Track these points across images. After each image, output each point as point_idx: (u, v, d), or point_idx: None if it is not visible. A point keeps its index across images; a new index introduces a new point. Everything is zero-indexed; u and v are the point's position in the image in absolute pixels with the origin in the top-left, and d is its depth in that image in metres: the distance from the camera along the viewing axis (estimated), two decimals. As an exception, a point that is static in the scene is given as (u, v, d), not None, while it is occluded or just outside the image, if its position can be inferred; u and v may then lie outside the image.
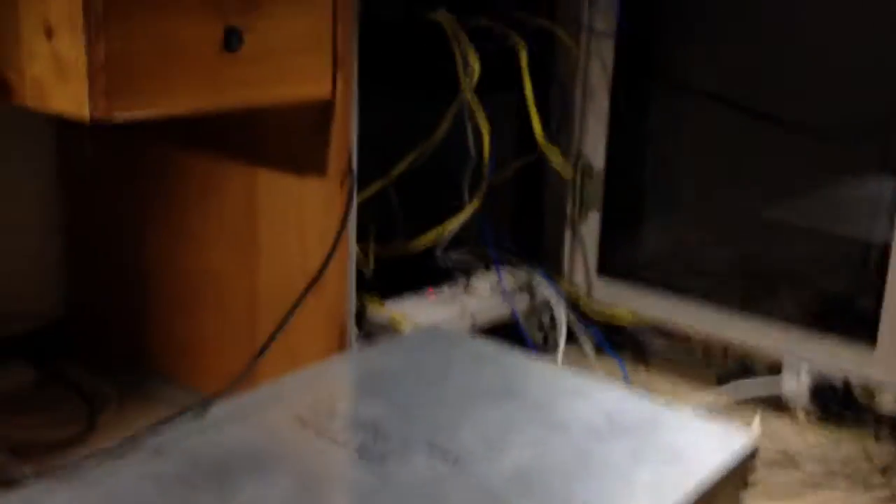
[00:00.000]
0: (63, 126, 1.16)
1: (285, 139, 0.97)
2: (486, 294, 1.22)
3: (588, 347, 1.25)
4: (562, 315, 1.23)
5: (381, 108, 1.20)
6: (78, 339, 1.19)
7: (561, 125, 1.30)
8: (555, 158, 1.23)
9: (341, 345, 0.99)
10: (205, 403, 0.78)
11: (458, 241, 1.31)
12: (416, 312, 1.14)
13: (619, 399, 0.86)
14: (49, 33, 0.71)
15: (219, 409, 0.79)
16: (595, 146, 1.29)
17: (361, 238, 1.20)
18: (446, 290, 1.23)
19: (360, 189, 1.12)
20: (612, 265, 1.31)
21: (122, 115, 0.73)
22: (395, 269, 1.23)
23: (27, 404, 1.03)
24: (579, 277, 1.32)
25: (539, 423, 0.80)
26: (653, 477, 0.72)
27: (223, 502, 0.65)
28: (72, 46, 0.70)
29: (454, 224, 1.19)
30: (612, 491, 0.71)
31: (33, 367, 1.09)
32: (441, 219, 1.22)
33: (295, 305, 0.88)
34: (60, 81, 0.72)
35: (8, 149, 1.12)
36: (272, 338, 0.86)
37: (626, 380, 1.21)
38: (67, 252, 1.20)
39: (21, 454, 0.92)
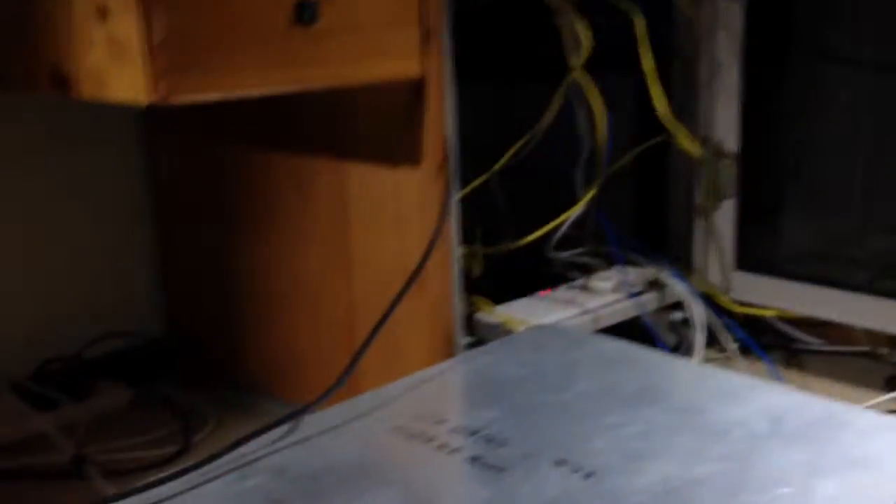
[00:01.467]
0: (152, 131, 1.11)
1: (375, 126, 0.88)
2: (608, 294, 1.10)
3: (731, 348, 1.11)
4: (699, 313, 1.09)
5: (482, 96, 1.10)
6: (174, 357, 1.13)
7: (685, 105, 1.16)
8: (683, 138, 1.10)
9: (448, 350, 0.89)
10: (296, 414, 0.69)
11: (572, 240, 1.19)
12: (530, 316, 1.03)
13: (784, 400, 0.71)
14: (103, 15, 0.65)
15: (312, 421, 0.70)
16: (727, 126, 1.14)
17: (466, 240, 1.10)
18: (562, 291, 1.11)
19: (461, 185, 1.02)
20: (752, 258, 1.16)
21: (185, 97, 0.65)
22: (505, 273, 1.13)
23: (122, 425, 0.97)
24: (714, 273, 1.17)
25: (688, 431, 0.67)
26: (839, 489, 0.58)
27: (316, 526, 0.56)
28: (127, 26, 0.63)
29: (568, 217, 1.07)
30: (788, 506, 0.57)
31: (128, 386, 1.03)
32: (553, 215, 1.11)
33: (394, 304, 0.78)
34: (117, 66, 0.65)
35: (99, 160, 1.09)
36: (369, 340, 0.76)
37: (780, 382, 1.05)
38: (162, 268, 1.15)
39: (115, 476, 0.86)
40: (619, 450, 0.64)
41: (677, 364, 0.81)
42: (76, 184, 1.07)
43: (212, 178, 1.05)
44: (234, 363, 1.08)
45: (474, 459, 0.63)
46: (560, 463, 0.62)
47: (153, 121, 1.10)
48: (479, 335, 1.03)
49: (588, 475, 0.61)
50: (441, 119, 0.86)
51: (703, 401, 0.71)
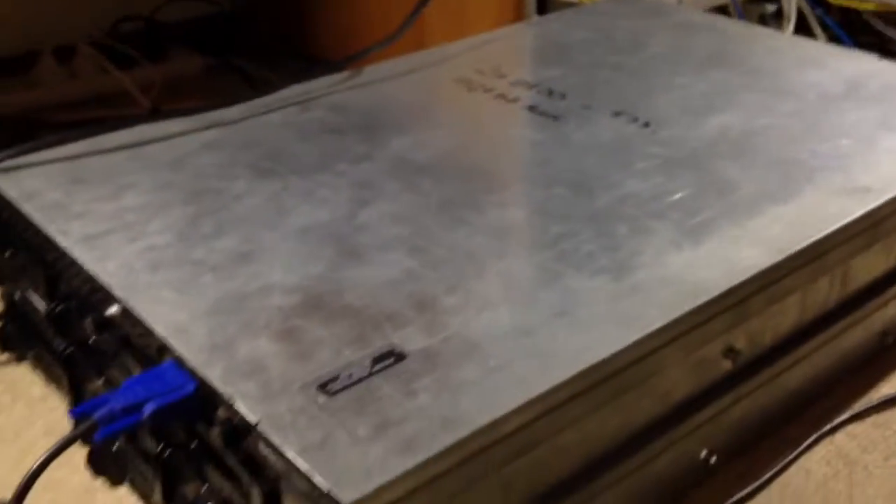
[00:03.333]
0: None
1: None
2: (697, -23, 1.02)
3: (822, 42, 1.04)
4: (793, 2, 1.02)
5: None
6: (246, 29, 1.12)
7: None
8: None
9: (518, 20, 0.86)
10: (355, 57, 0.69)
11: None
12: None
13: (869, 66, 0.68)
14: None
15: (373, 69, 0.69)
16: None
17: None
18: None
19: None
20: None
21: None
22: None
23: (196, 88, 0.99)
24: (817, -39, 1.08)
25: (757, 90, 0.64)
26: (906, 144, 0.57)
27: (372, 151, 0.57)
28: None
29: None
30: (846, 153, 0.56)
31: (200, 54, 1.04)
32: None
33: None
34: None
35: None
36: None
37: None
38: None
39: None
40: (682, 105, 0.63)
41: (761, 32, 0.76)
42: None
43: None
44: (304, 36, 1.07)
45: (531, 108, 0.63)
46: (618, 114, 0.61)
47: None
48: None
49: (645, 125, 0.60)
50: None
51: (780, 65, 0.68)
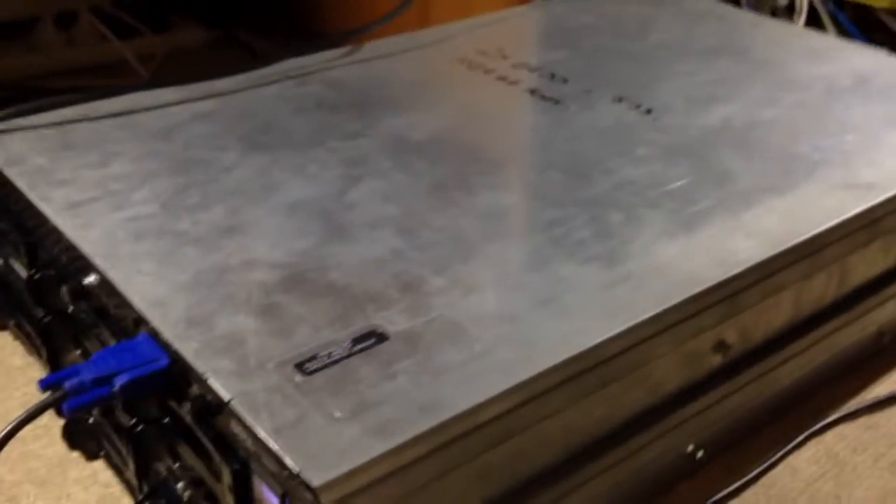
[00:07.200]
0: None
1: None
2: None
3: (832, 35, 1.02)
4: (804, -4, 1.00)
5: None
6: (250, 3, 1.11)
7: None
8: None
9: (524, 0, 0.84)
10: (355, 33, 0.68)
11: None
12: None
13: (877, 62, 0.66)
14: None
15: (372, 46, 0.68)
16: None
17: None
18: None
19: None
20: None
21: None
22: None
23: (197, 61, 0.98)
24: (832, -46, 1.06)
25: (763, 81, 0.63)
26: (911, 141, 0.55)
27: (366, 128, 0.56)
28: None
29: None
30: (850, 149, 0.54)
31: (204, 26, 1.03)
32: None
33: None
34: None
35: None
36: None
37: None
38: None
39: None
40: (684, 93, 0.61)
41: (769, 24, 0.75)
42: None
43: None
44: (311, 11, 1.06)
45: (532, 91, 0.62)
46: (620, 100, 0.60)
47: None
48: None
49: (647, 112, 0.59)
50: None
51: (787, 56, 0.67)
